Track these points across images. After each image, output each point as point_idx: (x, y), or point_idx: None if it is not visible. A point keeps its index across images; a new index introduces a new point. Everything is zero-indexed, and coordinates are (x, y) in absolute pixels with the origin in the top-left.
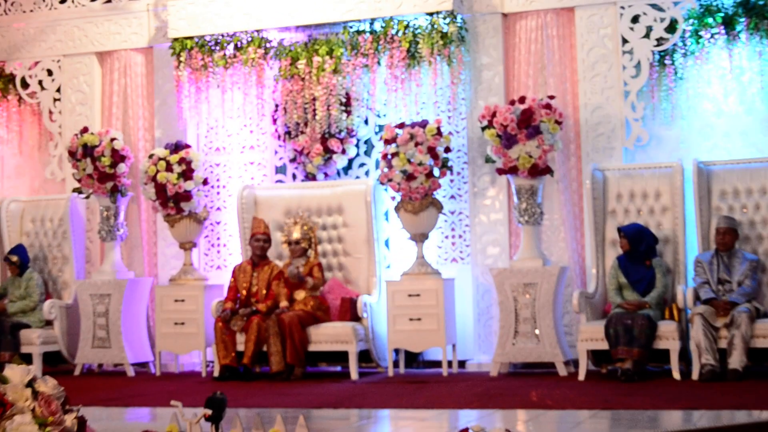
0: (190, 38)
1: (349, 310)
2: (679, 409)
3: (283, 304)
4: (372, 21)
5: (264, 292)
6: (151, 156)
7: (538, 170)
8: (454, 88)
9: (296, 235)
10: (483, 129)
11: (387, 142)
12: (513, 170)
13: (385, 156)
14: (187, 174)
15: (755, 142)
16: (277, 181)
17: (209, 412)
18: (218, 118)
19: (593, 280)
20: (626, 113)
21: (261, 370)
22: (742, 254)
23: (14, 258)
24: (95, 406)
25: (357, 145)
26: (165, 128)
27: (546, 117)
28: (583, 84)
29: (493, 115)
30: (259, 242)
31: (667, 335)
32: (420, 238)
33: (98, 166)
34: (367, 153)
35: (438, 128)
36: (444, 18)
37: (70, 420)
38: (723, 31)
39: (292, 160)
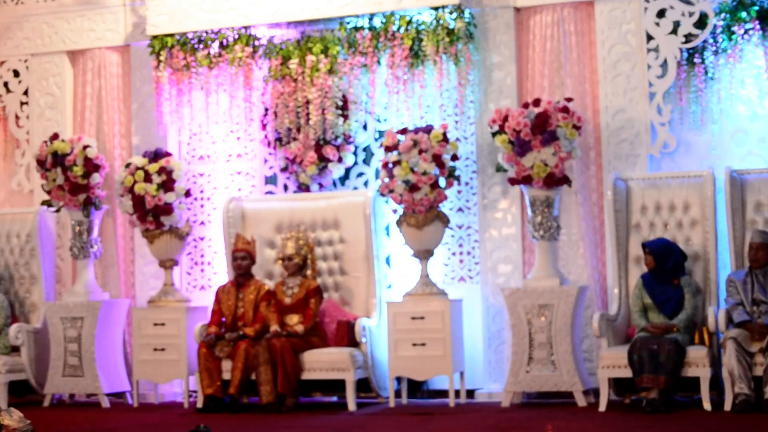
0: (171, 36)
1: (347, 335)
2: None
3: (273, 328)
4: (371, 16)
5: (251, 314)
6: (128, 165)
7: (555, 180)
8: (462, 90)
9: (290, 250)
10: (494, 135)
11: (388, 149)
12: (527, 180)
13: (385, 165)
14: (167, 185)
15: None
16: (266, 193)
17: None
18: (202, 123)
19: (615, 300)
20: (651, 117)
21: (249, 400)
22: None
23: None
24: None
25: (355, 153)
26: (143, 135)
27: (563, 121)
28: (603, 85)
29: (505, 119)
30: (236, 261)
31: (697, 362)
32: (424, 255)
33: (70, 177)
34: (366, 161)
35: (444, 134)
36: (450, 13)
37: None
38: (758, 26)
39: (284, 170)
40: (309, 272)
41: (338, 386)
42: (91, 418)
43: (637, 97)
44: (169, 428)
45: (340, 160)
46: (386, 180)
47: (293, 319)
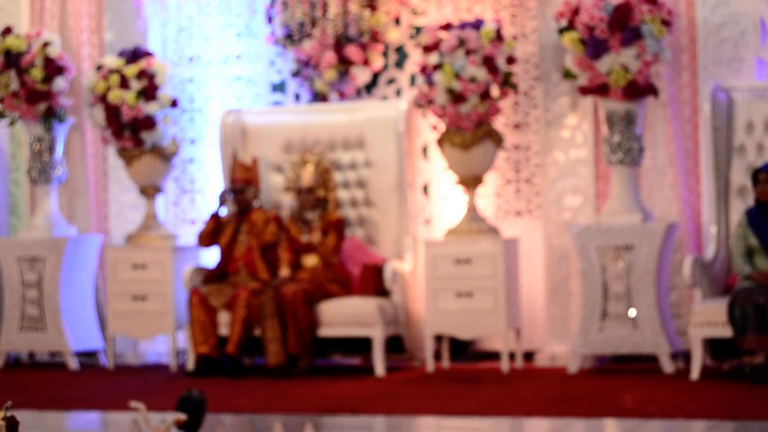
0: None
1: (373, 282)
2: None
3: (284, 272)
4: None
5: (257, 254)
6: (99, 68)
7: (638, 90)
8: None
9: (308, 180)
10: (560, 32)
11: (427, 49)
12: (602, 90)
13: (423, 69)
14: (149, 93)
15: None
16: (273, 104)
17: (183, 417)
18: (192, 15)
19: (712, 242)
20: (761, 11)
21: (253, 362)
22: None
23: None
24: (25, 409)
25: (385, 54)
26: (118, 29)
27: (649, 15)
28: None
29: (575, 12)
30: (234, 195)
31: None
32: (472, 182)
33: (27, 81)
34: (399, 65)
35: (497, 31)
36: None
37: None
38: None
39: (295, 75)
40: (329, 204)
41: (363, 346)
42: (55, 383)
43: None
44: (153, 395)
45: (365, 62)
46: (424, 88)
47: (311, 261)
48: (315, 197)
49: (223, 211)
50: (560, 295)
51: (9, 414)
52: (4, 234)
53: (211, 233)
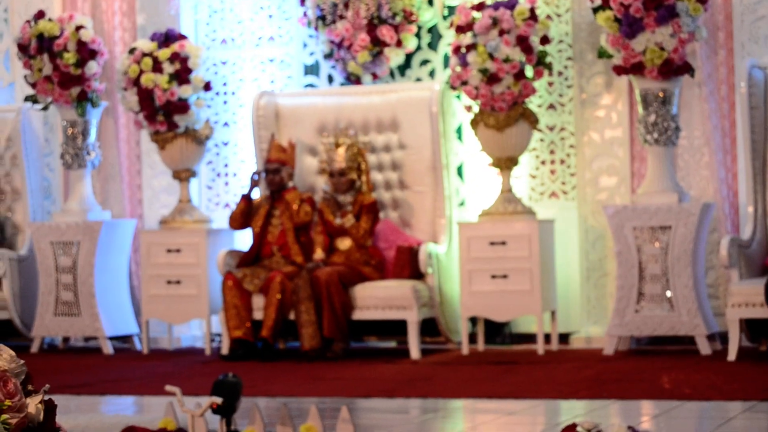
0: None
1: (408, 264)
2: None
3: (318, 255)
4: None
5: (291, 236)
6: (132, 51)
7: (673, 68)
8: None
9: (341, 162)
10: (595, 11)
11: (460, 29)
12: (637, 68)
13: (457, 50)
14: (182, 76)
15: None
16: (306, 86)
17: (218, 400)
18: None
19: (750, 222)
20: None
21: (287, 346)
22: None
23: None
24: (61, 394)
25: (418, 35)
26: (151, 12)
27: None
28: None
29: None
30: (267, 174)
31: None
32: (506, 164)
33: (60, 66)
34: (432, 46)
35: (532, 10)
36: None
37: (33, 405)
38: None
39: (328, 56)
40: (362, 185)
41: (398, 329)
42: (90, 367)
43: None
44: (187, 379)
45: (399, 43)
46: (458, 69)
47: (345, 244)
48: (348, 179)
49: (255, 193)
50: (596, 276)
51: (47, 398)
52: (38, 219)
53: (242, 215)
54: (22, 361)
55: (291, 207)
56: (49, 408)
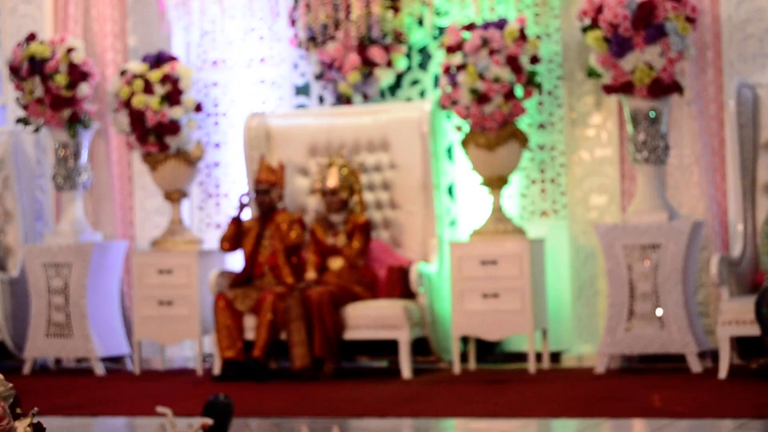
0: None
1: (399, 283)
2: None
3: (311, 275)
4: None
5: (282, 257)
6: (123, 73)
7: (662, 87)
8: None
9: (333, 181)
10: (584, 31)
11: (450, 50)
12: (627, 88)
13: (447, 70)
14: (173, 97)
15: None
16: (297, 106)
17: (209, 421)
18: (215, 19)
19: (739, 240)
20: None
21: (279, 366)
22: None
23: None
24: (52, 416)
25: (408, 56)
26: (142, 34)
27: (673, 12)
28: None
29: (599, 10)
30: (257, 195)
31: None
32: (497, 183)
33: (51, 88)
34: (423, 66)
35: (521, 30)
36: None
37: (22, 428)
38: None
39: (319, 77)
40: (355, 205)
41: (389, 348)
42: (81, 388)
43: None
44: (179, 400)
45: (389, 64)
46: (448, 89)
47: (337, 263)
48: (340, 199)
49: (246, 214)
50: (587, 295)
51: (35, 420)
52: (30, 240)
53: (233, 237)
54: (11, 384)
55: (281, 228)
56: (38, 431)
